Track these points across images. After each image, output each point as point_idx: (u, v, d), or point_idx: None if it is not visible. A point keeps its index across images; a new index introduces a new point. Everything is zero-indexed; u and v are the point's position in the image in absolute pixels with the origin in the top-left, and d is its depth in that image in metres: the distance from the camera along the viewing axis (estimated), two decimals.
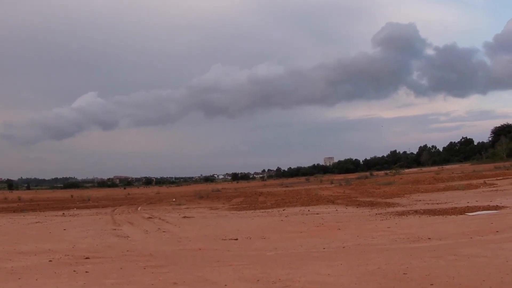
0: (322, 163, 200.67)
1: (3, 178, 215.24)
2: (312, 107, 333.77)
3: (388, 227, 18.37)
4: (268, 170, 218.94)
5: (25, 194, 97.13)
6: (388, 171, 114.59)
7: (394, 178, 72.95)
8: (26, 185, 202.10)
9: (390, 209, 26.26)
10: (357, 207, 29.71)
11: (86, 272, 11.78)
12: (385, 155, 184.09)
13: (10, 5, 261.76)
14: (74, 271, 11.94)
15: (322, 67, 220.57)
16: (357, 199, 37.01)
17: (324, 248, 14.29)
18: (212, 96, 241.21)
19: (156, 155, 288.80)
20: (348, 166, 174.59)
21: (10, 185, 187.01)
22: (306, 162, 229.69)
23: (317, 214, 26.47)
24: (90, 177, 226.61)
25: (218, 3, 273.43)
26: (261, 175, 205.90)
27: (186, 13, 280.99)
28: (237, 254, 14.02)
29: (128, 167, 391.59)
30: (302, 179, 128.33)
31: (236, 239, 17.48)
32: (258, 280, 9.91)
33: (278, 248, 14.95)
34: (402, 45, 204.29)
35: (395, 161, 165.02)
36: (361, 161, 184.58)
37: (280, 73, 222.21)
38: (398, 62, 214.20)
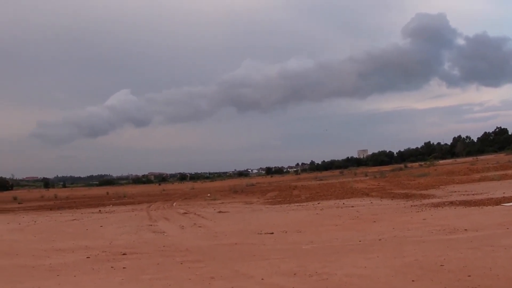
0: (356, 155, 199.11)
1: (39, 177, 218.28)
2: (344, 100, 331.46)
3: (423, 219, 18.26)
4: (302, 163, 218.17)
5: (61, 192, 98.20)
6: (422, 163, 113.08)
7: (429, 169, 72.17)
8: (62, 183, 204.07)
9: (426, 201, 26.05)
10: (392, 199, 29.52)
11: (124, 268, 11.97)
12: (419, 147, 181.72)
13: (43, 6, 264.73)
14: (111, 267, 12.14)
15: (352, 59, 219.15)
16: (392, 191, 36.78)
17: (360, 241, 14.28)
18: (243, 91, 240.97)
19: (190, 151, 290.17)
20: (382, 158, 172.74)
21: (46, 183, 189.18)
22: (340, 155, 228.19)
23: (352, 207, 26.39)
24: (125, 174, 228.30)
25: None
26: (294, 169, 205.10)
27: (216, 9, 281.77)
28: (273, 248, 14.06)
29: (162, 164, 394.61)
30: (336, 172, 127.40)
31: (272, 233, 17.51)
32: (294, 274, 9.94)
33: (314, 241, 14.97)
34: (432, 35, 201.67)
35: (429, 152, 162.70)
36: (395, 153, 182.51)
37: (310, 67, 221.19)
38: (429, 53, 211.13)
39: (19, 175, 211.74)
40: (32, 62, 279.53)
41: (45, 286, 10.27)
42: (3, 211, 42.65)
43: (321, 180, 79.26)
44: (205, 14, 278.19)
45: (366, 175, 77.17)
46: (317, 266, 10.54)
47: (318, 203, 30.95)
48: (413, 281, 8.82)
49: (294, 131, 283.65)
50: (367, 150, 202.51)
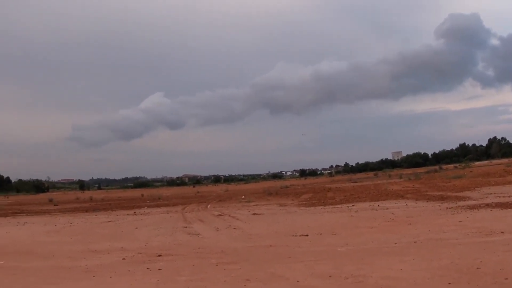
0: (390, 157, 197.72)
1: (74, 179, 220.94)
2: (377, 101, 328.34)
3: (459, 221, 18.11)
4: (336, 165, 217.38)
5: (96, 194, 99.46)
6: (457, 164, 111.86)
7: (464, 171, 71.21)
8: (97, 185, 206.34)
9: (461, 203, 25.79)
10: (427, 201, 29.25)
11: (159, 269, 12.09)
12: (453, 148, 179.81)
13: (77, 12, 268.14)
14: (147, 268, 12.28)
15: (385, 61, 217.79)
16: (427, 193, 36.45)
17: (395, 243, 14.22)
18: (277, 93, 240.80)
19: (224, 153, 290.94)
20: (417, 160, 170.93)
21: (82, 185, 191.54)
22: (374, 157, 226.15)
23: (387, 209, 26.24)
24: (159, 176, 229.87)
25: (280, 0, 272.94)
26: (328, 171, 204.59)
27: (249, 12, 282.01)
28: (308, 250, 14.06)
29: (196, 166, 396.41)
30: (370, 174, 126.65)
31: (307, 235, 17.50)
32: (330, 276, 9.96)
33: (349, 243, 14.93)
34: (466, 36, 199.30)
35: (464, 154, 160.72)
36: (429, 154, 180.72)
37: (343, 69, 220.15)
38: (463, 54, 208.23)
39: (55, 178, 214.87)
40: (67, 67, 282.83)
41: (82, 287, 10.48)
42: (40, 213, 43.41)
43: (356, 182, 78.87)
44: (238, 17, 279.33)
45: (401, 177, 76.49)
46: (353, 268, 10.55)
47: (353, 205, 30.85)
48: (449, 283, 8.79)
49: (327, 133, 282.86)
50: (401, 152, 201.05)
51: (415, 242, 14.28)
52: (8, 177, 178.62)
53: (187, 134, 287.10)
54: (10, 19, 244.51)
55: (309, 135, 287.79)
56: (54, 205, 57.26)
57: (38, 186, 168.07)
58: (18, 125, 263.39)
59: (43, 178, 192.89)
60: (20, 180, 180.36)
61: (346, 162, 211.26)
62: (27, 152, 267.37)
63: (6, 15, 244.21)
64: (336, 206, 31.99)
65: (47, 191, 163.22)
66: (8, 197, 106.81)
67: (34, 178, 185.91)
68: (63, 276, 11.85)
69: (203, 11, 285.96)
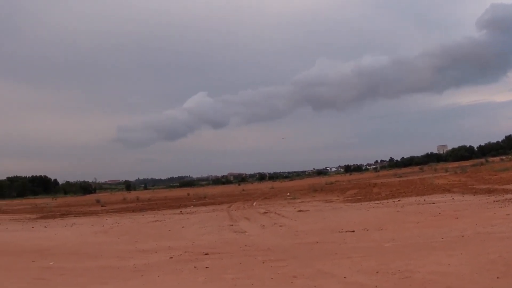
0: (435, 151, 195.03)
1: (121, 180, 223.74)
2: (420, 95, 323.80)
3: (507, 214, 17.86)
4: (381, 160, 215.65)
5: (142, 194, 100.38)
6: (504, 157, 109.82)
7: (511, 163, 70.02)
8: (143, 185, 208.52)
9: (509, 196, 25.38)
10: (474, 195, 28.88)
11: (206, 267, 12.22)
12: (499, 140, 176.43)
13: (120, 15, 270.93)
14: (194, 267, 12.42)
15: (427, 54, 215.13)
16: (474, 186, 35.95)
17: (442, 238, 14.13)
18: (319, 90, 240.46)
19: (268, 151, 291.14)
20: (462, 153, 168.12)
21: (128, 186, 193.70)
22: (419, 151, 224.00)
23: (433, 203, 26.00)
24: (204, 175, 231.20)
25: None
26: (373, 166, 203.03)
27: (288, 9, 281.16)
28: (355, 246, 14.07)
29: (241, 164, 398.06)
30: (416, 168, 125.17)
31: (353, 231, 17.50)
32: (377, 272, 9.97)
33: (396, 239, 14.90)
34: (508, 26, 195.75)
35: (511, 146, 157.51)
36: (475, 147, 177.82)
37: (385, 63, 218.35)
38: (505, 44, 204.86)
39: (101, 179, 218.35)
40: (111, 70, 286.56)
41: (130, 286, 10.67)
42: (87, 213, 44.17)
43: (401, 177, 78.10)
44: (277, 15, 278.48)
45: (447, 171, 75.47)
46: (400, 264, 10.53)
47: (399, 200, 30.66)
48: (498, 278, 8.74)
49: (371, 128, 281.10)
50: (446, 145, 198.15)
51: (462, 236, 14.17)
52: (55, 179, 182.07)
53: (230, 132, 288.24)
54: (53, 25, 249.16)
55: (352, 131, 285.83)
56: (101, 206, 58.16)
57: (85, 188, 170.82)
58: (64, 128, 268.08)
59: (90, 179, 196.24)
60: (67, 182, 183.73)
61: (391, 157, 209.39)
62: (74, 154, 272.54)
63: (49, 21, 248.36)
64: (382, 201, 31.82)
65: (94, 192, 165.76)
66: (56, 199, 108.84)
67: (81, 179, 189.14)
68: (112, 275, 12.07)
69: (244, 10, 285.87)
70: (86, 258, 15.49)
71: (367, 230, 17.55)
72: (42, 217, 40.93)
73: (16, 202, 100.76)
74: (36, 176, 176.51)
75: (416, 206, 25.66)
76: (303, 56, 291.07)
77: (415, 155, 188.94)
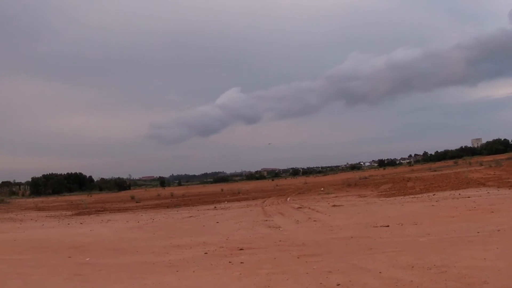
0: (469, 145, 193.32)
1: (155, 176, 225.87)
2: (454, 88, 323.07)
3: None
4: (415, 155, 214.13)
5: (177, 190, 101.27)
6: None
7: None
8: (177, 181, 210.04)
9: None
10: (509, 189, 28.49)
11: (241, 263, 12.30)
12: None
13: (154, 13, 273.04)
14: (229, 262, 12.51)
15: (460, 46, 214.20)
16: (509, 180, 35.45)
17: (478, 232, 14.03)
18: (352, 84, 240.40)
19: (301, 146, 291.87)
20: (497, 147, 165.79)
21: (162, 182, 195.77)
22: (453, 145, 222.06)
23: (468, 197, 25.76)
24: (238, 170, 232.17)
25: None
26: (407, 161, 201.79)
27: (321, 3, 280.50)
28: (390, 241, 14.03)
29: (274, 159, 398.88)
30: (450, 162, 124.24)
31: (388, 226, 17.44)
32: (412, 267, 9.95)
33: (431, 233, 14.82)
34: None
35: None
36: (510, 140, 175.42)
37: (417, 56, 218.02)
38: None
39: (136, 175, 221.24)
40: (144, 68, 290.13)
41: (166, 282, 10.73)
42: (122, 210, 44.62)
43: (435, 171, 77.48)
44: (309, 10, 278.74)
45: (481, 165, 74.45)
46: (435, 258, 10.50)
47: (434, 195, 30.42)
48: None
49: (405, 122, 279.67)
50: (480, 138, 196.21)
51: (498, 230, 14.05)
52: (90, 176, 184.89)
53: (264, 128, 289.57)
54: (88, 24, 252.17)
55: (386, 125, 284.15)
56: (136, 202, 58.74)
57: (120, 184, 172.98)
58: (100, 126, 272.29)
59: (124, 176, 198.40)
60: (102, 179, 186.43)
61: (425, 151, 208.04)
62: (108, 151, 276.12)
63: (85, 20, 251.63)
64: (416, 195, 31.62)
65: (129, 188, 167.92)
66: (91, 196, 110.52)
67: (116, 176, 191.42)
68: (148, 271, 12.19)
69: (275, 5, 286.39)
70: (122, 254, 15.69)
71: (402, 225, 17.48)
72: (77, 214, 41.50)
73: (52, 199, 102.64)
74: (71, 173, 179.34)
75: (451, 200, 25.45)
76: (336, 50, 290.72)
77: (449, 149, 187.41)
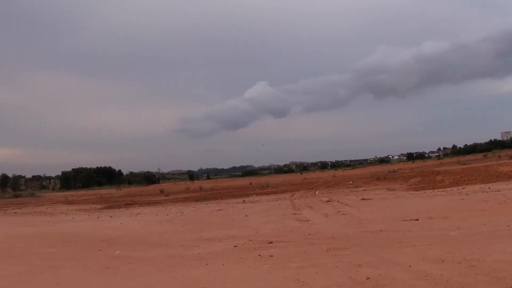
0: (499, 138, 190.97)
1: (184, 170, 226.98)
2: (483, 81, 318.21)
3: None
4: (444, 148, 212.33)
5: (205, 184, 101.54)
6: None
7: None
8: (206, 175, 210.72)
9: None
10: None
11: (271, 256, 12.35)
12: None
13: (182, 8, 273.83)
14: (259, 255, 12.58)
15: (488, 39, 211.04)
16: None
17: (508, 226, 13.91)
18: (380, 77, 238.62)
19: (329, 139, 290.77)
20: None
21: (191, 175, 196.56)
22: (482, 138, 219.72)
23: (498, 191, 25.52)
24: (266, 164, 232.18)
25: None
26: (436, 154, 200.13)
27: None
28: (419, 235, 13.99)
29: (303, 153, 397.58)
30: (479, 155, 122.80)
31: (417, 220, 17.39)
32: (442, 261, 9.93)
33: (461, 227, 14.74)
34: None
35: None
36: None
37: (446, 49, 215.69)
38: None
39: (165, 169, 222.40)
40: (173, 62, 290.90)
41: (195, 275, 10.79)
42: (151, 203, 45.01)
43: (465, 164, 76.84)
44: (337, 3, 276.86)
45: (511, 158, 73.81)
46: (465, 252, 10.48)
47: (463, 188, 30.23)
48: None
49: (433, 115, 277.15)
50: (510, 131, 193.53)
51: None
52: (120, 170, 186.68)
53: (292, 121, 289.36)
54: (116, 20, 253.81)
55: (414, 118, 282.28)
56: (165, 196, 59.18)
57: (149, 178, 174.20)
58: (128, 120, 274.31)
59: (153, 170, 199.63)
60: (131, 173, 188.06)
61: (454, 144, 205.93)
62: (137, 145, 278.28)
63: (113, 16, 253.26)
64: (445, 189, 31.44)
65: (158, 182, 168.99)
66: (120, 189, 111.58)
67: (145, 170, 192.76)
68: (178, 264, 12.30)
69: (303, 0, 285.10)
70: (152, 247, 15.82)
71: (432, 219, 17.42)
72: (107, 207, 42.03)
73: (82, 192, 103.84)
74: (101, 167, 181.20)
75: (481, 193, 25.24)
76: (363, 43, 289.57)
77: (479, 142, 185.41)
